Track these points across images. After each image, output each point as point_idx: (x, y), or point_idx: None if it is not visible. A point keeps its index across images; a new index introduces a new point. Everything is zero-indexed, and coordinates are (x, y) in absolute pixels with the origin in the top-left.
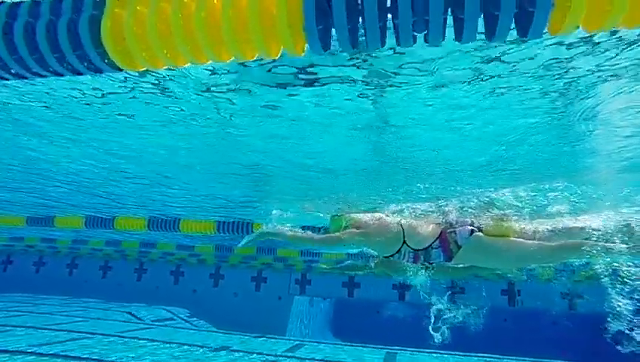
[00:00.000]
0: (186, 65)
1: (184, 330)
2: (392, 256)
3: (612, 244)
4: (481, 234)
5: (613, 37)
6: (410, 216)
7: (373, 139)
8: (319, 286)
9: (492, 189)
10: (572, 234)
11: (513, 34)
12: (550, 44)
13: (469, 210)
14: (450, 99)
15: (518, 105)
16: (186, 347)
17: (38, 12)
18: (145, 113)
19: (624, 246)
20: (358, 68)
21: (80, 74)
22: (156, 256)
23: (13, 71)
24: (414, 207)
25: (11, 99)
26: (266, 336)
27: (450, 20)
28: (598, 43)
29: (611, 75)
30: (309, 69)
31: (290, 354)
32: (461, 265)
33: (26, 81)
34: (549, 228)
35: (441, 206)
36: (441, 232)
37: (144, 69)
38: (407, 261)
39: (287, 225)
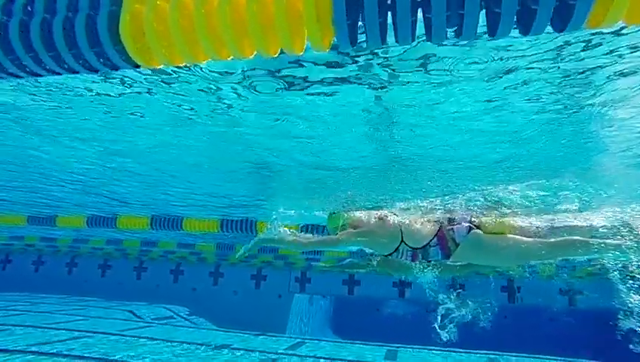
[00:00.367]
0: (205, 62)
1: (185, 329)
2: (390, 254)
3: (611, 241)
4: (478, 231)
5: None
6: (409, 214)
7: (384, 137)
8: (319, 284)
9: (503, 187)
10: (570, 231)
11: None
12: (567, 40)
13: (474, 208)
14: (465, 97)
15: (534, 102)
16: (186, 345)
17: (54, 8)
18: (155, 112)
19: (623, 242)
20: (374, 66)
21: (95, 71)
22: (156, 255)
23: (27, 69)
24: (421, 204)
25: (20, 99)
26: (266, 334)
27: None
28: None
29: (628, 71)
30: (323, 68)
31: (291, 352)
32: (460, 263)
33: (39, 79)
34: (548, 225)
35: (447, 203)
36: (438, 230)
37: (162, 65)
38: (406, 259)
39: (285, 229)
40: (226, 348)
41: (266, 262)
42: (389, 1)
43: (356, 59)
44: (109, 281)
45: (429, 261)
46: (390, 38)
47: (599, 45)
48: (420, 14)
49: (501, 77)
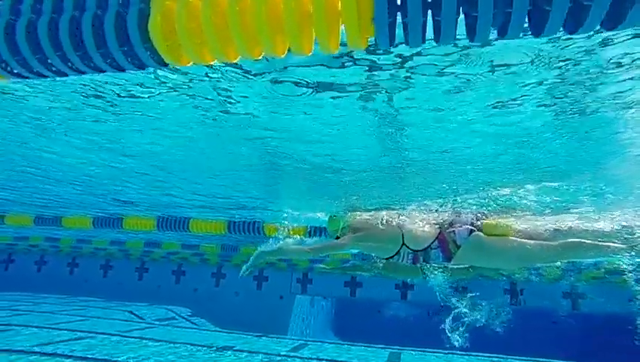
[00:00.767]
0: (236, 60)
1: (190, 330)
2: (391, 257)
3: (616, 244)
4: (480, 233)
5: None
6: (410, 217)
7: (397, 140)
8: (321, 286)
9: (517, 188)
10: (573, 234)
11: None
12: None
13: (482, 210)
14: (481, 96)
15: (547, 101)
16: (190, 347)
17: (83, 5)
18: (173, 112)
19: (627, 245)
20: (393, 67)
21: (122, 70)
22: (158, 256)
23: (54, 68)
24: (430, 206)
25: (36, 101)
26: (270, 336)
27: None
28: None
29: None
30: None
31: (293, 354)
32: (462, 266)
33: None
34: (551, 227)
35: (456, 205)
36: (439, 232)
37: (191, 64)
38: (407, 262)
39: (287, 240)
40: (229, 349)
41: (268, 263)
42: (431, 0)
43: (371, 60)
44: (110, 282)
45: (431, 263)
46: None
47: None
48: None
49: (515, 77)
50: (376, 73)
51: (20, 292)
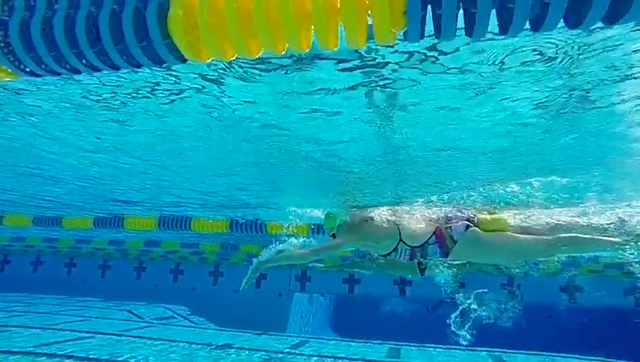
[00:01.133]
0: (258, 55)
1: (189, 329)
2: (389, 254)
3: (612, 238)
4: (476, 229)
5: None
6: (407, 213)
7: (400, 136)
8: (320, 283)
9: (526, 182)
10: (570, 228)
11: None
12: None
13: (482, 204)
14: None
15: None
16: (191, 346)
17: (100, 1)
18: (187, 111)
19: (623, 239)
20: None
21: (138, 67)
22: (156, 255)
23: (68, 66)
24: (432, 201)
25: (36, 100)
26: (270, 334)
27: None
28: None
29: None
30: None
31: (294, 352)
32: (459, 261)
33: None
34: (546, 222)
35: (458, 201)
36: (436, 228)
37: (211, 60)
38: (404, 259)
39: (284, 246)
40: (230, 347)
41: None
42: None
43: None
44: (108, 281)
45: (428, 259)
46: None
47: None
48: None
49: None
50: (378, 70)
51: (16, 293)
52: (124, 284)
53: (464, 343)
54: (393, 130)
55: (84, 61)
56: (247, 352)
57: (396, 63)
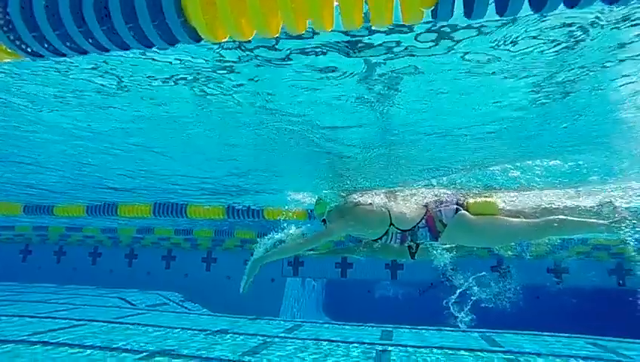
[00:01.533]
0: (277, 34)
1: (184, 315)
2: (380, 238)
3: (599, 221)
4: (465, 212)
5: None
6: (397, 197)
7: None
8: (312, 268)
9: (531, 163)
10: (558, 211)
11: None
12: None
13: (475, 187)
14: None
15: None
16: (188, 331)
17: None
18: (181, 95)
19: (610, 222)
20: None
21: (150, 47)
22: (149, 242)
23: (74, 46)
24: (427, 184)
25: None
26: (264, 318)
27: None
28: None
29: None
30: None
31: (289, 336)
32: (449, 245)
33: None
34: (536, 205)
35: (452, 184)
36: (426, 212)
37: (227, 39)
38: (395, 243)
39: (277, 242)
40: (226, 333)
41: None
42: None
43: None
44: (99, 269)
45: (418, 243)
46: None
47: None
48: None
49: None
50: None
51: (5, 282)
52: (116, 272)
53: (456, 324)
54: (391, 114)
55: (91, 40)
56: (242, 337)
57: (395, 44)
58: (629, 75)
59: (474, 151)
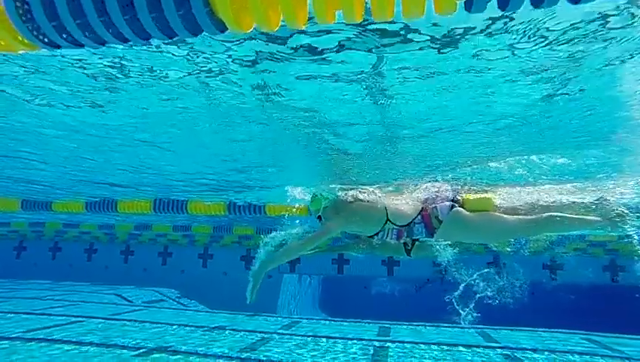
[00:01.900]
0: (305, 24)
1: (182, 311)
2: (376, 234)
3: (593, 217)
4: (460, 209)
5: None
6: (393, 193)
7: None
8: (309, 264)
9: (543, 155)
10: (553, 207)
11: None
12: None
13: (475, 183)
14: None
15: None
16: (186, 328)
17: None
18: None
19: (605, 218)
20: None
21: (172, 37)
22: (146, 238)
23: (93, 36)
24: (430, 178)
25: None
26: (262, 315)
27: None
28: None
29: None
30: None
31: (288, 332)
32: (445, 242)
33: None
34: (530, 201)
35: (452, 179)
36: (422, 208)
37: (252, 29)
38: (391, 239)
39: (276, 247)
40: (224, 329)
41: (257, 244)
42: None
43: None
44: (95, 266)
45: (414, 239)
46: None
47: None
48: None
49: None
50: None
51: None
52: (112, 268)
53: (452, 321)
54: (399, 110)
55: (111, 30)
56: (241, 334)
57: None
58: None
59: (484, 146)
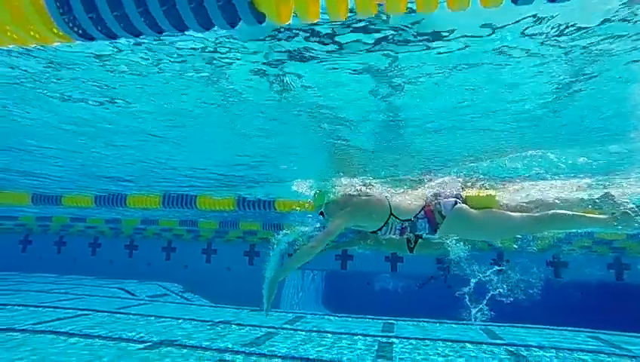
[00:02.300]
0: (345, 16)
1: (188, 306)
2: (380, 229)
3: (598, 215)
4: (463, 205)
5: None
6: (395, 188)
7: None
8: (312, 260)
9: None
10: (556, 205)
11: None
12: None
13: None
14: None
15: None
16: (194, 322)
17: None
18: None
19: (609, 216)
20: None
21: (208, 29)
22: (150, 233)
23: (129, 28)
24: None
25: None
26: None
27: None
28: None
29: None
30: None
31: (293, 327)
32: (448, 238)
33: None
34: (534, 199)
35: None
36: (426, 203)
37: (291, 20)
38: (395, 234)
39: (287, 254)
40: (230, 324)
41: (262, 239)
42: None
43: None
44: (100, 260)
45: (417, 235)
46: None
47: None
48: None
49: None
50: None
51: (5, 272)
52: (115, 263)
53: (457, 317)
54: (414, 105)
55: (148, 22)
56: (246, 329)
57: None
58: None
59: (504, 141)
